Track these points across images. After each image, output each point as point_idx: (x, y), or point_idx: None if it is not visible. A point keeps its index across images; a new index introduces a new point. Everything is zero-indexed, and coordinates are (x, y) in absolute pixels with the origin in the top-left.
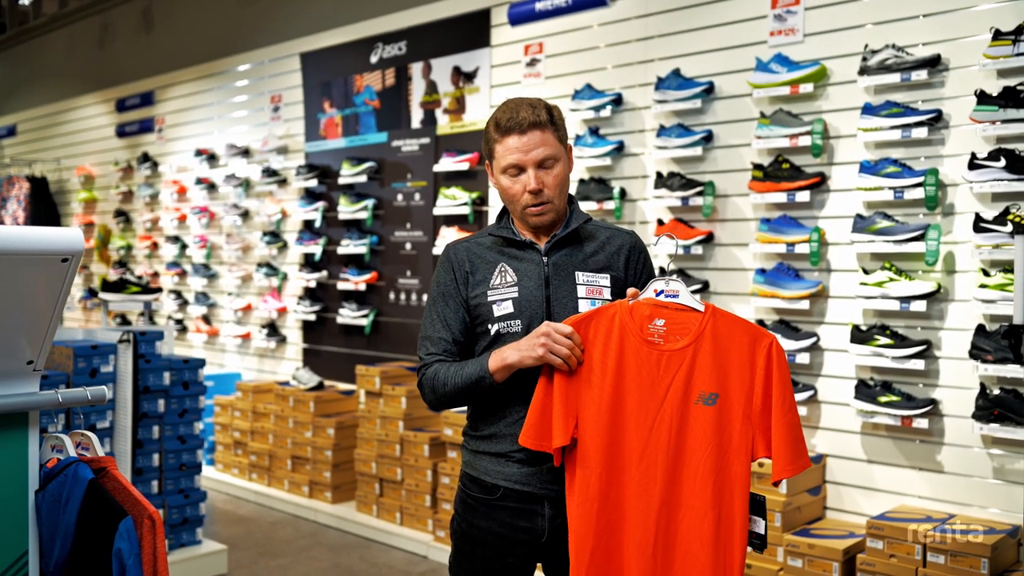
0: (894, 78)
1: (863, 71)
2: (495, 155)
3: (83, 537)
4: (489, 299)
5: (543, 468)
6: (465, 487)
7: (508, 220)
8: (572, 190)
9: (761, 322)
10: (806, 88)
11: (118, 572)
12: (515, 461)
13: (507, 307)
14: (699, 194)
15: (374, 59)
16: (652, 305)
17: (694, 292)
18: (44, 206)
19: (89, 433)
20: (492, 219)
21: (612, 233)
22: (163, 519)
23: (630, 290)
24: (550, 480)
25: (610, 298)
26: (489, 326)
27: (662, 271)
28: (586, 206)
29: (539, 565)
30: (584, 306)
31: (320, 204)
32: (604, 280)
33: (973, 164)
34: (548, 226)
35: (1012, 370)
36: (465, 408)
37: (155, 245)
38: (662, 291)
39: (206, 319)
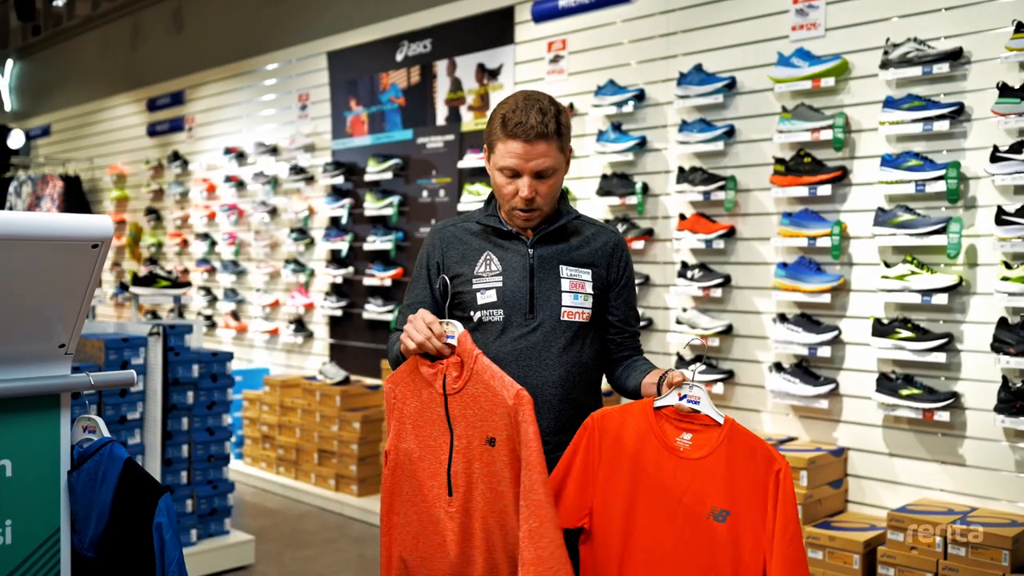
0: (916, 71)
1: (885, 65)
2: (495, 150)
3: (120, 514)
4: (473, 287)
5: None
6: None
7: (495, 207)
8: (594, 186)
9: (783, 316)
10: (827, 82)
11: (159, 545)
12: None
13: (491, 296)
14: (721, 188)
15: (399, 57)
16: (679, 415)
17: (716, 286)
18: (77, 204)
19: (95, 417)
20: None
21: (597, 230)
22: (192, 509)
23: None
24: None
25: (592, 292)
26: (472, 313)
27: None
28: (608, 201)
29: None
30: (567, 299)
31: (346, 201)
32: (586, 275)
33: (995, 157)
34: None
35: None
36: None
37: (185, 242)
38: (685, 396)
39: (235, 315)
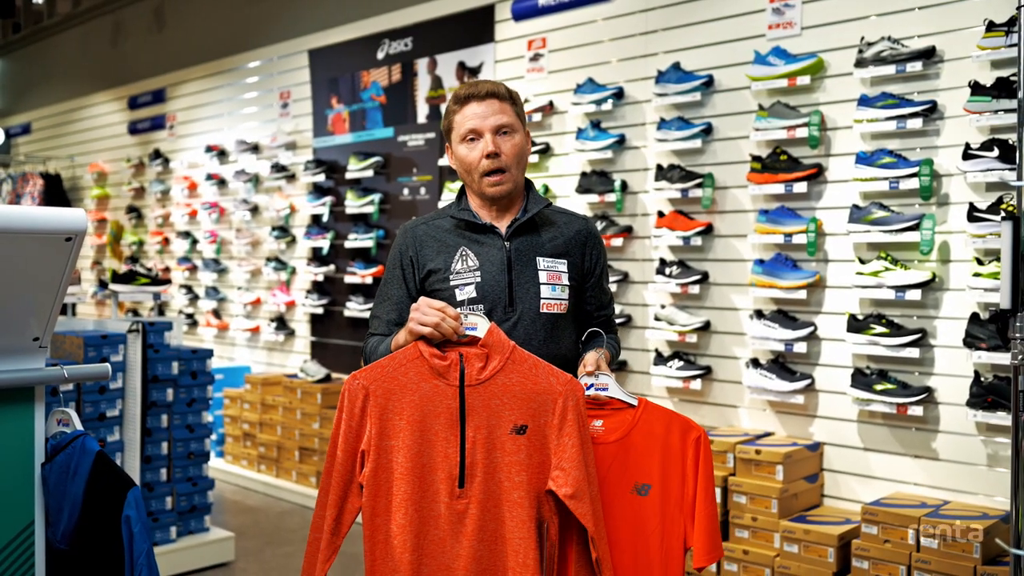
0: (889, 70)
1: (859, 63)
2: (454, 126)
3: (91, 507)
4: (451, 284)
5: None
6: None
7: (467, 201)
8: (574, 183)
9: (760, 312)
10: (803, 80)
11: (127, 538)
12: None
13: (470, 292)
14: (698, 186)
15: (380, 55)
16: (589, 402)
17: (693, 283)
18: (58, 202)
19: (68, 410)
20: None
21: (569, 218)
22: (172, 506)
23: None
24: None
25: (568, 283)
26: None
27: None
28: (588, 199)
29: None
30: (546, 291)
31: (328, 199)
32: (562, 266)
33: (967, 154)
34: (506, 200)
35: (1006, 357)
36: None
37: (166, 240)
38: (592, 385)
39: (216, 313)
